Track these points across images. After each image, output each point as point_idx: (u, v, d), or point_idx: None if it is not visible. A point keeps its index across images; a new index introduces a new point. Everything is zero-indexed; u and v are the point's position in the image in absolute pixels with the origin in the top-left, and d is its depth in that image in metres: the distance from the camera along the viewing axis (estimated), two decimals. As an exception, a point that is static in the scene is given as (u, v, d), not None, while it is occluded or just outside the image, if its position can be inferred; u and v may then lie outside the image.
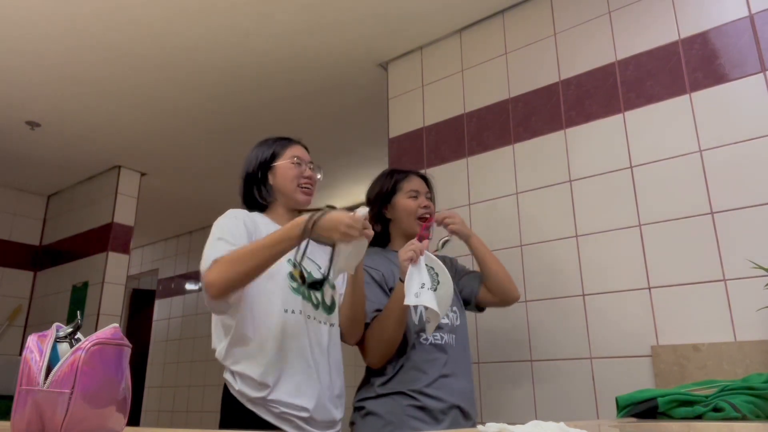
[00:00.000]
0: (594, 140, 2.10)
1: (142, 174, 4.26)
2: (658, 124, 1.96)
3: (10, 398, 0.64)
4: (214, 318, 1.44)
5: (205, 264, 1.31)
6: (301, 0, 2.45)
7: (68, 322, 0.71)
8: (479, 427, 0.84)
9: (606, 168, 2.04)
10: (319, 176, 1.62)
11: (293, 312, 1.39)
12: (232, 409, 1.36)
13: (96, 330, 0.73)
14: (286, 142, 1.60)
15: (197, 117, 3.45)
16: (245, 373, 1.34)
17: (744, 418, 1.15)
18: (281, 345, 1.36)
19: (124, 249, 4.03)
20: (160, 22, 2.58)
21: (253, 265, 1.28)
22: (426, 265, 1.49)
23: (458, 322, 1.70)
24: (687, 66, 1.94)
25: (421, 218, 1.71)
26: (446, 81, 2.62)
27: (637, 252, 1.90)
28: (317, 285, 1.46)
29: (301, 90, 3.17)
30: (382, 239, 1.77)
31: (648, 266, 1.87)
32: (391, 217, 1.76)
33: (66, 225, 4.44)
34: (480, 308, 1.84)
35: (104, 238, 3.99)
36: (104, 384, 0.64)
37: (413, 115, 2.69)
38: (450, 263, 1.82)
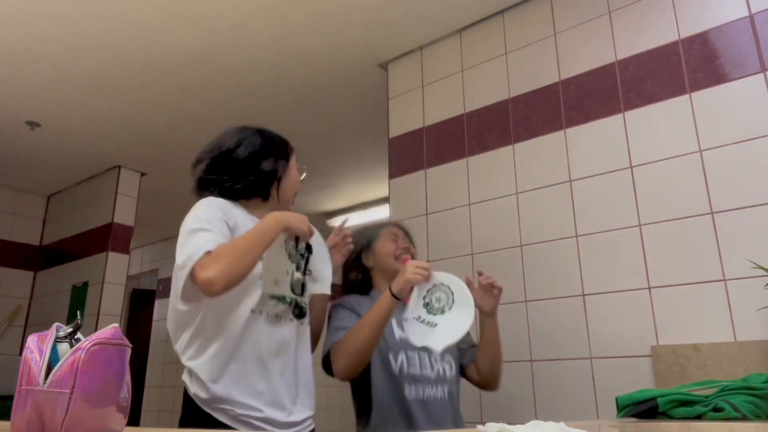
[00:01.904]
0: (594, 140, 2.10)
1: (142, 174, 4.26)
2: (658, 124, 1.96)
3: (10, 398, 0.64)
4: (174, 312, 1.35)
5: (191, 257, 1.22)
6: (301, 0, 2.45)
7: (68, 322, 0.71)
8: (479, 427, 0.84)
9: (606, 168, 2.04)
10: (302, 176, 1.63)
11: (260, 312, 1.34)
12: (191, 412, 1.30)
13: (96, 330, 0.73)
14: (290, 146, 1.60)
15: (197, 117, 3.45)
16: (199, 375, 1.29)
17: (744, 418, 1.15)
18: (241, 346, 1.30)
19: (124, 249, 4.03)
20: (160, 22, 2.58)
21: (252, 259, 1.25)
22: (441, 284, 1.46)
23: (452, 373, 1.64)
24: (687, 66, 1.94)
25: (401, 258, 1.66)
26: (446, 81, 2.62)
27: (637, 252, 1.90)
28: (302, 314, 1.43)
29: (301, 90, 3.17)
30: (363, 287, 1.72)
31: (648, 266, 1.87)
32: (372, 263, 1.70)
33: (66, 225, 4.44)
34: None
35: (104, 238, 3.99)
36: (104, 384, 0.64)
37: (413, 115, 2.69)
38: None
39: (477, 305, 1.56)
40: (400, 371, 1.55)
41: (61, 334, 0.66)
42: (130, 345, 0.69)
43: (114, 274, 3.93)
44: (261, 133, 1.58)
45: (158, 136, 3.70)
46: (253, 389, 1.30)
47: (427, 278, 1.48)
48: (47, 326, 0.68)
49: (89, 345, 0.63)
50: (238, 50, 2.80)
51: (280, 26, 2.62)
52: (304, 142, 3.94)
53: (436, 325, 1.44)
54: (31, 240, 4.59)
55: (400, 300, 1.46)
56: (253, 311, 1.33)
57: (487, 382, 1.71)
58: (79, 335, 0.67)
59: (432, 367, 1.59)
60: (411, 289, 1.48)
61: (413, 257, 1.69)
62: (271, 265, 1.35)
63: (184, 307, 1.31)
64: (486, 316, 1.66)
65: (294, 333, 1.40)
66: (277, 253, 1.38)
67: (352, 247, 1.66)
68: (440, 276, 1.49)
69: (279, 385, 1.34)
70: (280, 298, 1.39)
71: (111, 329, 0.67)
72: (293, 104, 3.33)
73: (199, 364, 1.30)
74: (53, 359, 0.63)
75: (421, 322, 1.46)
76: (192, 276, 1.22)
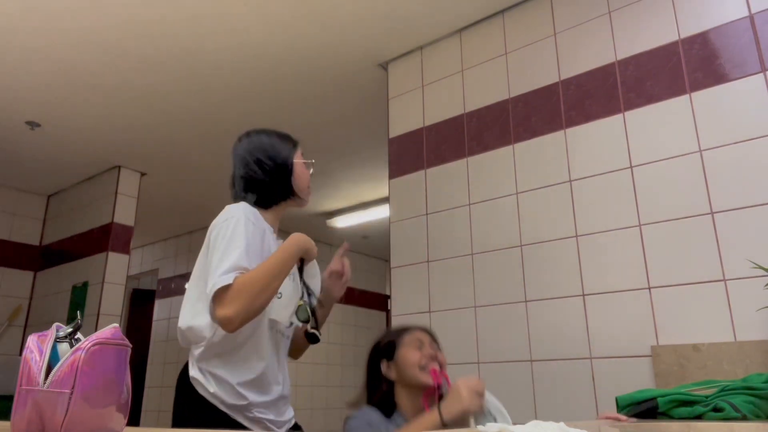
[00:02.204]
0: (594, 140, 2.10)
1: (142, 174, 4.26)
2: (658, 124, 1.96)
3: (10, 398, 0.64)
4: (196, 300, 1.34)
5: (216, 284, 1.21)
6: (301, 1, 2.45)
7: (68, 322, 0.71)
8: (479, 427, 0.84)
9: (606, 168, 2.04)
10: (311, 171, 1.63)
11: (273, 329, 1.42)
12: (200, 410, 1.31)
13: (96, 330, 0.73)
14: (294, 141, 1.58)
15: (197, 117, 3.45)
16: (224, 378, 1.30)
17: (744, 418, 1.15)
18: (262, 354, 1.36)
19: (124, 249, 4.03)
20: (160, 22, 2.58)
21: (269, 294, 1.26)
22: (489, 412, 1.28)
23: None
24: (687, 66, 1.94)
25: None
26: (446, 81, 2.62)
27: (637, 252, 1.90)
28: (314, 339, 1.47)
29: (301, 90, 3.17)
30: (386, 407, 1.44)
31: (648, 266, 1.87)
32: (395, 376, 1.45)
33: (66, 225, 4.44)
34: None
35: (104, 238, 3.99)
36: (104, 384, 0.64)
37: (413, 115, 2.69)
38: None
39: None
40: None
41: (61, 334, 0.66)
42: (130, 345, 0.69)
43: (114, 274, 3.93)
44: (266, 134, 1.59)
45: (158, 136, 3.70)
46: (267, 394, 1.37)
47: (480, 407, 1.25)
48: (47, 326, 0.68)
49: (89, 345, 0.63)
50: (238, 51, 2.80)
51: (281, 27, 2.62)
52: (304, 142, 3.93)
53: None
54: (31, 240, 4.59)
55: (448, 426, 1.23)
56: (271, 329, 1.40)
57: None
58: (79, 335, 0.67)
59: None
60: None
61: (442, 366, 1.46)
62: (286, 293, 1.39)
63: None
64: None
65: (286, 344, 1.50)
66: (290, 281, 1.41)
67: (349, 279, 1.54)
68: (488, 402, 1.30)
69: (282, 390, 1.43)
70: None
71: (111, 329, 0.67)
72: (293, 104, 3.33)
73: (225, 369, 1.31)
74: (53, 359, 0.63)
75: None
76: (212, 307, 1.24)
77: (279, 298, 1.37)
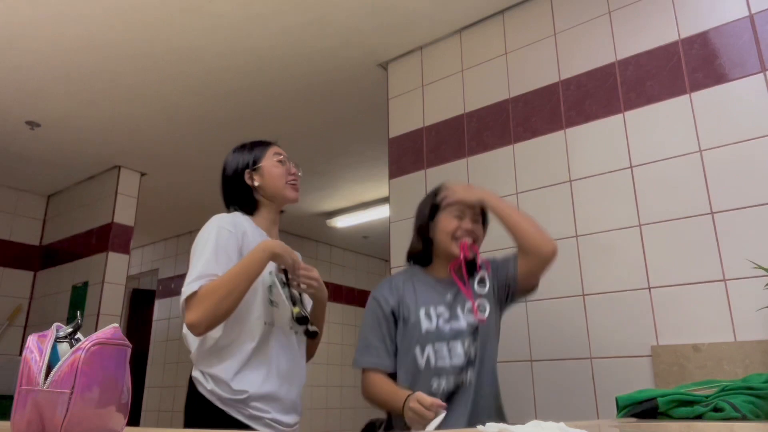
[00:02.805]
0: (594, 140, 2.10)
1: (142, 174, 4.26)
2: (658, 124, 1.96)
3: (10, 398, 0.64)
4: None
5: (185, 291, 1.32)
6: (301, 0, 2.45)
7: (68, 322, 0.71)
8: (479, 427, 0.84)
9: (606, 168, 2.04)
10: (300, 173, 1.64)
11: (270, 324, 1.45)
12: (200, 407, 1.38)
13: (96, 330, 0.73)
14: (266, 144, 1.62)
15: (197, 117, 3.45)
16: (219, 376, 1.37)
17: (744, 418, 1.15)
18: (257, 354, 1.41)
19: (124, 249, 4.03)
20: (160, 22, 2.58)
21: (234, 299, 1.33)
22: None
23: (485, 351, 1.50)
24: (687, 66, 1.94)
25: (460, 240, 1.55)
26: (446, 81, 2.62)
27: (637, 252, 1.90)
28: (304, 320, 1.50)
29: (301, 90, 3.17)
30: (424, 259, 1.63)
31: (648, 266, 1.87)
32: (432, 236, 1.59)
33: (66, 225, 4.44)
34: (530, 288, 1.57)
35: (104, 238, 3.99)
36: (104, 384, 0.64)
37: (413, 115, 2.69)
38: (495, 267, 1.60)
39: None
40: (427, 365, 1.49)
41: (61, 334, 0.66)
42: (130, 345, 0.69)
43: (114, 274, 3.93)
44: (233, 150, 1.63)
45: (158, 136, 3.70)
46: (266, 393, 1.40)
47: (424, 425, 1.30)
48: (47, 326, 0.68)
49: (89, 345, 0.63)
50: (238, 51, 2.80)
51: (281, 27, 2.62)
52: (305, 142, 3.95)
53: None
54: (31, 240, 4.58)
55: None
56: (267, 324, 1.44)
57: (533, 249, 1.50)
58: (79, 335, 0.67)
59: (466, 354, 1.48)
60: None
61: (476, 241, 1.55)
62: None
63: None
64: (488, 207, 1.58)
65: (296, 345, 1.52)
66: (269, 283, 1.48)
67: (305, 287, 1.52)
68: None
69: (284, 391, 1.45)
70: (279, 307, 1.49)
71: (111, 329, 0.67)
72: (294, 104, 3.33)
73: (219, 368, 1.39)
74: (53, 359, 0.63)
75: None
76: (183, 314, 1.34)
77: (275, 306, 1.47)
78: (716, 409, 1.17)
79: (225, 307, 1.31)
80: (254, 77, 3.04)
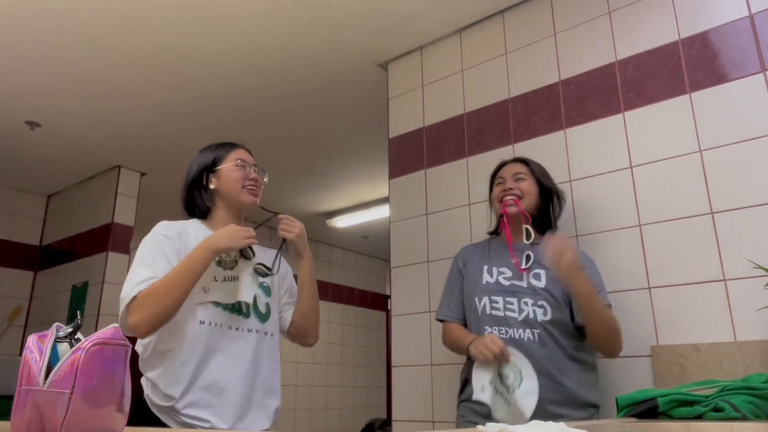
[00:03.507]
0: (594, 140, 2.10)
1: (142, 174, 4.26)
2: (658, 124, 1.96)
3: (10, 398, 0.64)
4: None
5: (125, 298, 1.33)
6: (301, 0, 2.45)
7: (68, 322, 0.71)
8: (479, 427, 0.84)
9: (606, 168, 2.04)
10: (265, 179, 1.62)
11: (210, 324, 1.40)
12: (140, 412, 1.37)
13: (96, 330, 0.73)
14: (230, 146, 1.60)
15: (197, 117, 3.46)
16: (154, 382, 1.36)
17: (744, 418, 1.15)
18: (191, 357, 1.36)
19: (124, 249, 4.03)
20: (159, 22, 2.58)
21: (174, 299, 1.32)
22: (515, 364, 1.51)
23: (546, 318, 1.62)
24: (687, 66, 1.94)
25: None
26: (446, 81, 2.62)
27: (637, 252, 1.90)
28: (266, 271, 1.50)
29: (301, 90, 3.17)
30: (496, 230, 1.89)
31: (648, 266, 1.87)
32: (495, 207, 1.85)
33: (66, 225, 4.44)
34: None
35: (104, 238, 3.99)
36: (104, 384, 0.64)
37: (413, 115, 2.69)
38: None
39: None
40: (483, 313, 1.69)
41: (61, 334, 0.66)
42: (130, 345, 0.69)
43: (114, 274, 3.93)
44: (200, 150, 1.62)
45: (158, 136, 3.70)
46: (204, 402, 1.35)
47: (493, 359, 1.52)
48: (47, 326, 0.68)
49: (89, 345, 0.63)
50: (238, 51, 2.80)
51: (281, 27, 2.62)
52: (305, 142, 3.95)
53: (509, 403, 1.48)
54: (31, 240, 4.58)
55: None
56: (202, 323, 1.39)
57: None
58: (79, 335, 0.67)
59: (520, 311, 1.64)
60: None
61: (520, 197, 1.74)
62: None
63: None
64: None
65: (252, 344, 1.45)
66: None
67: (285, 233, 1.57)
68: (520, 358, 1.52)
69: (233, 397, 1.38)
70: (227, 307, 1.44)
71: (111, 329, 0.67)
72: (293, 104, 3.33)
73: (155, 373, 1.37)
74: (53, 359, 0.63)
75: (502, 396, 1.50)
76: (124, 320, 1.33)
77: (215, 306, 1.42)
78: (716, 409, 1.17)
79: (165, 307, 1.30)
80: (254, 77, 3.04)
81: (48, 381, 0.62)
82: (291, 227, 1.53)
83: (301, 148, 3.85)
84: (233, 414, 1.37)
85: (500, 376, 1.51)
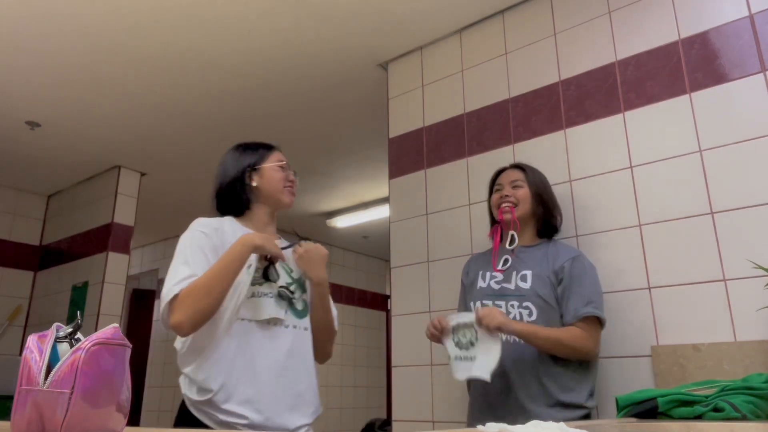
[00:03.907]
0: (594, 140, 2.10)
1: (142, 174, 4.26)
2: (658, 124, 1.96)
3: (10, 398, 0.64)
4: None
5: (166, 296, 1.34)
6: (301, 0, 2.45)
7: (68, 322, 0.71)
8: (479, 427, 0.84)
9: (606, 168, 2.04)
10: (297, 181, 1.65)
11: (248, 321, 1.41)
12: (182, 414, 1.39)
13: (96, 330, 0.73)
14: (269, 147, 1.63)
15: (197, 117, 3.46)
16: (192, 377, 1.37)
17: (744, 418, 1.15)
18: (227, 352, 1.37)
19: (124, 249, 4.03)
20: (160, 23, 2.58)
21: (216, 296, 1.33)
22: (462, 323, 1.64)
23: (531, 318, 1.66)
24: (687, 66, 1.94)
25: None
26: (446, 81, 2.62)
27: (638, 252, 1.90)
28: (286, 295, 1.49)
29: (301, 90, 3.17)
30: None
31: (648, 266, 1.87)
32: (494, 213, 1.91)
33: (66, 225, 4.44)
34: None
35: (104, 238, 3.99)
36: (104, 384, 0.64)
37: (413, 115, 2.69)
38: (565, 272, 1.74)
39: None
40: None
41: (61, 334, 0.66)
42: (130, 345, 0.69)
43: (114, 274, 3.93)
44: (235, 148, 1.64)
45: (158, 136, 3.70)
46: (241, 396, 1.35)
47: (438, 337, 1.69)
48: (47, 326, 0.68)
49: (89, 345, 0.63)
50: (238, 51, 2.80)
51: (281, 27, 2.62)
52: (305, 142, 3.95)
53: (474, 357, 1.60)
54: (31, 240, 4.58)
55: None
56: (240, 319, 1.40)
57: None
58: (79, 335, 0.67)
59: (507, 313, 1.69)
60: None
61: (516, 204, 1.80)
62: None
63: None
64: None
65: (289, 340, 1.45)
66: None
67: (308, 251, 1.58)
68: (455, 319, 1.67)
69: (270, 392, 1.38)
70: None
71: (111, 329, 0.67)
72: (293, 104, 3.33)
73: (192, 368, 1.37)
74: (53, 359, 0.63)
75: (462, 359, 1.63)
76: (166, 318, 1.35)
77: (258, 297, 1.44)
78: (716, 409, 1.17)
79: (206, 304, 1.32)
80: (254, 77, 3.04)
81: (48, 381, 0.61)
82: (301, 248, 1.53)
83: (302, 148, 3.85)
84: (271, 409, 1.37)
85: (458, 346, 1.64)
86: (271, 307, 1.44)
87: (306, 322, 1.52)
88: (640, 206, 1.93)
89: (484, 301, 1.74)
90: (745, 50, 1.83)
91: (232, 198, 1.56)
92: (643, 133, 1.99)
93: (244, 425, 1.32)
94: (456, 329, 1.65)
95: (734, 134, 1.79)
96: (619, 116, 2.05)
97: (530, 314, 1.67)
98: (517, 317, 1.67)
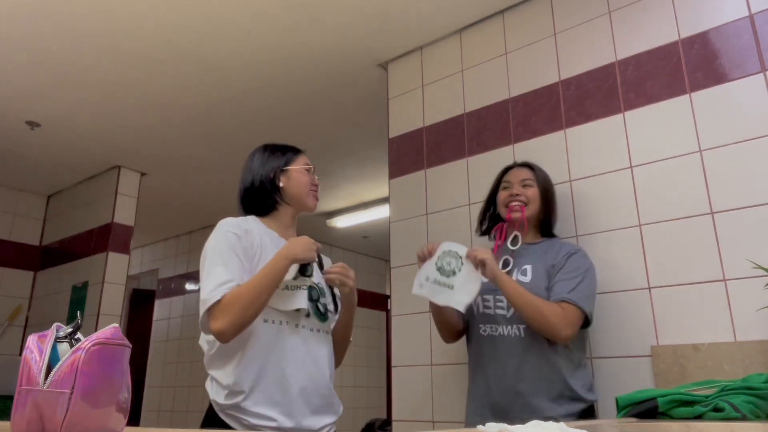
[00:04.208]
0: (594, 140, 2.10)
1: (142, 174, 4.26)
2: (658, 124, 1.96)
3: (10, 398, 0.64)
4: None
5: (207, 300, 1.33)
6: (301, 0, 2.45)
7: (68, 322, 0.71)
8: (479, 427, 0.84)
9: (606, 168, 2.04)
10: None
11: (273, 322, 1.42)
12: (209, 419, 1.40)
13: (96, 330, 0.73)
14: (296, 150, 1.68)
15: (197, 117, 3.46)
16: (219, 380, 1.38)
17: (744, 418, 1.15)
18: (255, 355, 1.38)
19: (124, 249, 4.03)
20: (161, 23, 2.58)
21: (258, 306, 1.35)
22: (450, 250, 1.67)
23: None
24: (687, 66, 1.94)
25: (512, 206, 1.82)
26: (446, 81, 2.62)
27: (638, 252, 1.90)
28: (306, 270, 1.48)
29: (301, 90, 3.17)
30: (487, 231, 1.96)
31: (648, 266, 1.87)
32: (499, 210, 1.89)
33: (66, 225, 4.44)
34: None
35: (104, 238, 3.99)
36: (104, 384, 0.64)
37: (413, 115, 2.69)
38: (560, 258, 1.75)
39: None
40: (477, 312, 1.77)
41: (61, 334, 0.66)
42: (130, 345, 0.69)
43: (114, 274, 3.93)
44: (262, 149, 1.66)
45: (158, 136, 3.70)
46: (270, 399, 1.36)
47: (424, 257, 1.69)
48: (47, 326, 0.68)
49: (89, 345, 0.63)
50: (238, 51, 2.80)
51: (281, 27, 2.62)
52: (305, 142, 3.92)
53: (452, 286, 1.64)
54: (31, 240, 4.58)
55: None
56: (266, 321, 1.42)
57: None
58: (79, 335, 0.67)
59: (508, 308, 1.69)
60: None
61: (527, 204, 1.79)
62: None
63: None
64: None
65: (314, 341, 1.48)
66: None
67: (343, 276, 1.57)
68: (448, 245, 1.69)
69: (295, 393, 1.39)
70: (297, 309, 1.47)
71: (111, 329, 0.67)
72: (293, 104, 3.33)
73: (220, 372, 1.39)
74: (53, 359, 0.63)
75: (439, 284, 1.66)
76: (205, 322, 1.35)
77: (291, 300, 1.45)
78: (716, 409, 1.17)
79: (250, 313, 1.33)
80: (254, 77, 3.04)
81: (48, 381, 0.61)
82: (347, 278, 1.53)
83: (301, 148, 3.85)
84: (299, 411, 1.38)
85: (439, 270, 1.66)
86: (301, 300, 1.45)
87: (328, 326, 1.54)
88: (640, 206, 1.93)
89: (484, 296, 1.74)
90: (745, 50, 1.83)
91: (260, 198, 1.58)
92: (643, 133, 1.98)
93: (272, 428, 1.34)
94: (443, 255, 1.67)
95: (734, 134, 1.79)
96: (619, 116, 2.05)
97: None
98: (507, 313, 1.69)
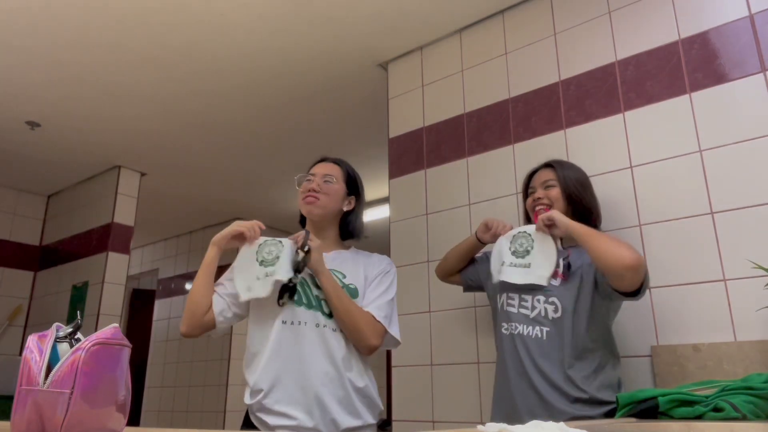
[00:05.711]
0: (594, 140, 2.10)
1: (142, 174, 4.26)
2: (658, 124, 1.96)
3: (10, 398, 0.64)
4: None
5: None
6: (301, 0, 2.45)
7: (68, 322, 0.71)
8: (479, 427, 0.84)
9: (606, 168, 2.04)
10: (318, 187, 1.69)
11: (292, 323, 1.45)
12: (245, 420, 1.48)
13: (96, 330, 0.73)
14: (315, 164, 1.81)
15: (197, 117, 3.46)
16: (247, 381, 1.46)
17: (744, 418, 1.15)
18: (273, 355, 1.43)
19: (124, 249, 4.03)
20: (160, 23, 2.58)
21: (192, 296, 1.48)
22: (519, 232, 1.71)
23: (557, 315, 1.62)
24: (687, 66, 1.94)
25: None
26: (446, 81, 2.62)
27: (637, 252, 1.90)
28: (289, 289, 1.48)
29: (301, 90, 3.17)
30: None
31: (648, 266, 1.87)
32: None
33: (66, 225, 4.44)
34: (623, 291, 1.57)
35: (104, 238, 3.99)
36: (104, 384, 0.64)
37: (413, 115, 2.69)
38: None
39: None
40: (501, 308, 1.76)
41: (61, 334, 0.66)
42: (130, 345, 0.69)
43: (114, 274, 3.93)
44: None
45: (158, 136, 3.70)
46: (289, 397, 1.39)
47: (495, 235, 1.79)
48: (47, 326, 0.68)
49: (89, 345, 0.63)
50: (238, 51, 2.80)
51: (281, 27, 2.62)
52: (304, 142, 3.95)
53: (529, 265, 1.65)
54: (31, 240, 4.59)
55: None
56: (284, 323, 1.45)
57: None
58: (79, 335, 0.67)
59: (533, 308, 1.67)
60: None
61: (550, 205, 1.76)
62: (242, 275, 1.51)
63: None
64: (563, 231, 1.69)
65: (334, 342, 1.46)
66: (248, 262, 1.51)
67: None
68: (516, 229, 1.74)
69: (313, 392, 1.40)
70: (300, 303, 1.48)
71: (111, 329, 0.67)
72: (293, 104, 3.33)
73: (246, 372, 1.47)
74: (53, 359, 0.63)
75: (515, 266, 1.68)
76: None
77: (296, 305, 1.49)
78: (716, 409, 1.17)
79: (191, 304, 1.46)
80: (254, 77, 3.04)
81: (48, 381, 0.62)
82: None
83: (301, 148, 3.85)
84: (320, 410, 1.39)
85: (514, 254, 1.69)
86: (280, 270, 1.45)
87: (334, 323, 1.50)
88: (640, 206, 1.93)
89: (509, 294, 1.72)
90: (745, 50, 1.83)
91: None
92: (643, 133, 1.98)
93: (292, 427, 1.36)
94: (514, 239, 1.71)
95: (734, 134, 1.79)
96: (619, 116, 2.05)
97: (555, 310, 1.62)
98: (542, 312, 1.64)
